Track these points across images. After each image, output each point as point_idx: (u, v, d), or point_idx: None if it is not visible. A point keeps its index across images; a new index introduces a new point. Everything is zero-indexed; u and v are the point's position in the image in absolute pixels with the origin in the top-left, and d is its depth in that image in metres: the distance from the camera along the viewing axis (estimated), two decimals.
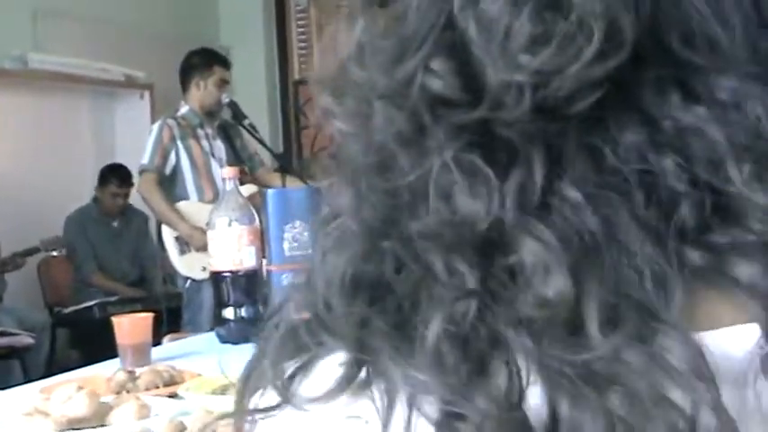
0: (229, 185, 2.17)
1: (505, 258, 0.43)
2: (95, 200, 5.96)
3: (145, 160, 4.65)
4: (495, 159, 0.44)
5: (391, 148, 0.46)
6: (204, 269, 4.60)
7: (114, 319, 1.92)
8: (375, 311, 0.45)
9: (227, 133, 4.87)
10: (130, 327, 1.90)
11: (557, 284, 0.41)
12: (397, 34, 0.46)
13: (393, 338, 0.43)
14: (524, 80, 0.42)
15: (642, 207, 0.43)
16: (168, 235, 4.65)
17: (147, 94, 6.61)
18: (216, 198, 4.68)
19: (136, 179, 5.07)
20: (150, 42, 6.91)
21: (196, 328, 4.46)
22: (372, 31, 0.48)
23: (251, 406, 0.47)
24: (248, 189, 4.25)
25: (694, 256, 0.44)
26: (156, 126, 4.74)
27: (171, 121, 4.71)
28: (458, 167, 0.43)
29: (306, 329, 0.47)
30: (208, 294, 4.60)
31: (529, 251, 0.42)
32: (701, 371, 0.41)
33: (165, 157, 4.66)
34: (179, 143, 4.68)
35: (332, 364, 0.45)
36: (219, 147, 4.80)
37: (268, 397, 0.46)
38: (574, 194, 0.43)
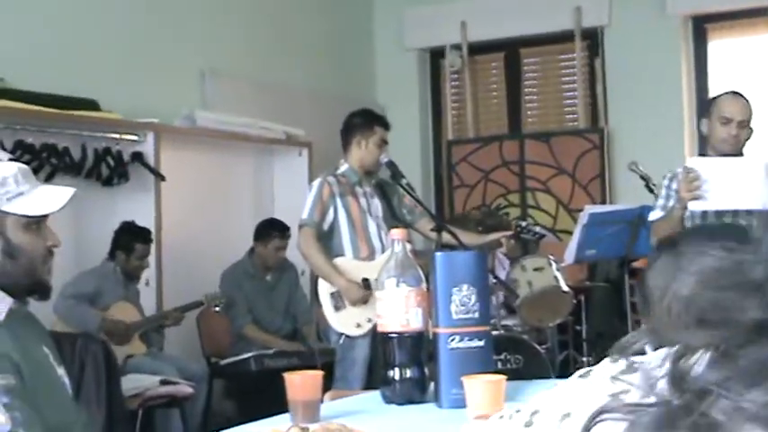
0: (398, 247, 2.20)
1: None
2: (251, 254, 6.11)
3: (304, 215, 4.75)
4: None
5: None
6: (359, 326, 4.65)
7: (286, 376, 1.96)
8: None
9: (383, 191, 4.94)
10: (302, 383, 1.94)
11: None
12: None
13: None
14: None
15: None
16: (324, 290, 4.73)
17: (305, 152, 6.78)
18: (371, 256, 4.75)
19: (295, 234, 5.18)
20: (309, 101, 7.11)
21: (347, 385, 4.50)
22: None
23: None
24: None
25: None
26: (316, 183, 4.84)
27: (331, 179, 4.81)
28: None
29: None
30: (361, 352, 4.65)
31: None
32: None
33: (324, 214, 4.75)
34: (338, 200, 4.76)
35: None
36: (376, 205, 4.86)
37: None
38: None
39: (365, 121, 4.91)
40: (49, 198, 2.12)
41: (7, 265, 2.08)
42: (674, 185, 4.12)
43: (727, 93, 4.25)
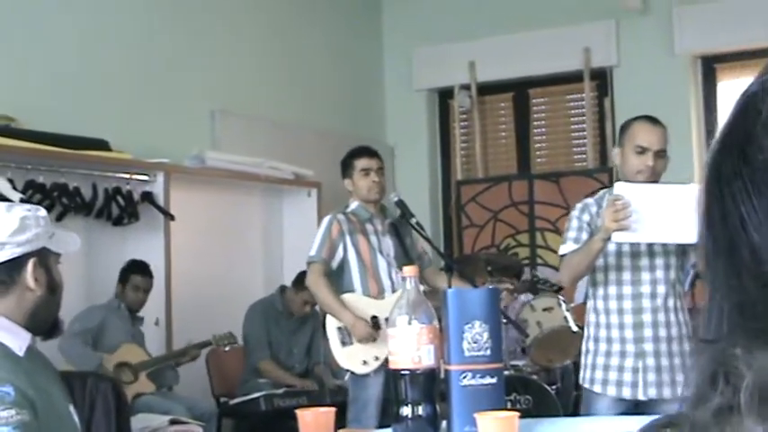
0: (410, 284, 2.19)
1: None
2: (282, 292, 6.13)
3: (313, 252, 4.75)
4: None
5: None
6: (365, 363, 4.62)
7: (298, 412, 1.95)
8: None
9: (397, 231, 4.92)
10: (314, 421, 1.93)
11: None
12: None
13: None
14: None
15: None
16: (332, 325, 4.71)
17: (314, 192, 6.79)
18: (380, 294, 4.72)
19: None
20: (318, 141, 7.14)
21: (361, 426, 4.46)
22: None
23: None
24: None
25: None
26: (326, 220, 4.84)
27: (341, 216, 4.81)
28: None
29: None
30: (374, 391, 4.61)
31: None
32: None
33: (333, 252, 4.74)
34: (347, 238, 4.75)
35: None
36: (388, 243, 4.85)
37: None
38: None
39: (345, 161, 4.98)
40: (67, 237, 2.23)
41: (49, 300, 2.15)
42: (585, 217, 3.69)
43: (641, 118, 3.71)
